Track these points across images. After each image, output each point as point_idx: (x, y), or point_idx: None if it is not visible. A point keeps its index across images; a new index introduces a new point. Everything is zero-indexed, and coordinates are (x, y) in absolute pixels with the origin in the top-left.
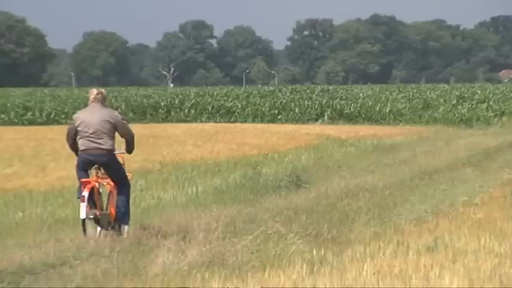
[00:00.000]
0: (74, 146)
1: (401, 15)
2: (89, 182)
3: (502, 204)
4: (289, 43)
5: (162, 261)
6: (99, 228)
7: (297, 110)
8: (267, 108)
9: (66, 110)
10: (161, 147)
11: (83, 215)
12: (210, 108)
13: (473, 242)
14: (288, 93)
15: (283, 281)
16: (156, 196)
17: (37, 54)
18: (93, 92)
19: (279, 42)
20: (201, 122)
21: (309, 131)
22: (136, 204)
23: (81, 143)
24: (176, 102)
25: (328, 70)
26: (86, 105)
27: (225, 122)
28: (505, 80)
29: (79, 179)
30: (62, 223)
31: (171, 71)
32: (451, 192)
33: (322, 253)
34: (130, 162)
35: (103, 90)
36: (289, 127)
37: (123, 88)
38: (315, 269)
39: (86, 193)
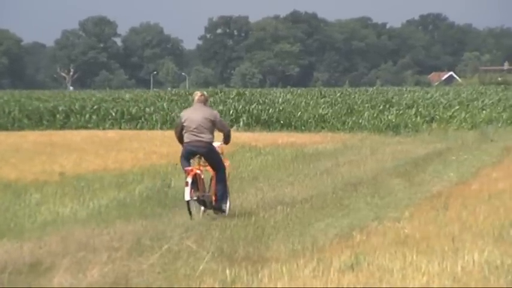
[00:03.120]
0: (180, 138)
1: (324, 12)
2: (191, 170)
3: (431, 219)
4: (200, 42)
5: (59, 282)
6: (202, 208)
7: None
8: (177, 114)
9: None
10: (59, 156)
11: (187, 198)
12: (113, 114)
13: (400, 259)
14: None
15: None
16: (53, 211)
17: None
18: (197, 94)
19: (190, 42)
20: (104, 128)
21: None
22: (31, 219)
23: (186, 136)
24: (76, 107)
25: (244, 72)
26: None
27: (130, 128)
28: (435, 84)
29: (183, 167)
30: None
31: (71, 73)
32: (377, 205)
33: (236, 272)
34: (26, 174)
35: (205, 93)
36: None
37: (16, 91)
38: None
39: (189, 179)
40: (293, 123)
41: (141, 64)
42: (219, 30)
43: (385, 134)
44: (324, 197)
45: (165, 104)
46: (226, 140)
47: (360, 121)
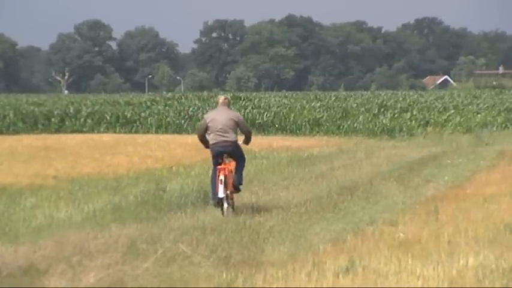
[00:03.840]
0: (203, 139)
1: (319, 16)
2: (224, 169)
3: (426, 222)
4: (196, 46)
5: (54, 286)
6: (225, 205)
7: None
8: (172, 118)
9: None
10: (54, 160)
11: (221, 194)
12: (108, 118)
13: (395, 263)
14: (195, 101)
15: None
16: (48, 214)
17: None
18: (221, 97)
19: (185, 45)
20: (99, 132)
21: None
22: (26, 223)
23: (212, 137)
24: (71, 110)
25: (239, 76)
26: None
27: (125, 132)
28: (430, 87)
29: (214, 166)
30: None
31: (66, 77)
32: (372, 209)
33: (231, 276)
34: (21, 178)
35: (228, 97)
36: (196, 138)
37: (11, 95)
38: None
39: (222, 177)
40: (288, 127)
41: (136, 68)
42: (214, 34)
43: (380, 138)
44: (319, 200)
45: (160, 108)
46: (247, 140)
47: (355, 125)
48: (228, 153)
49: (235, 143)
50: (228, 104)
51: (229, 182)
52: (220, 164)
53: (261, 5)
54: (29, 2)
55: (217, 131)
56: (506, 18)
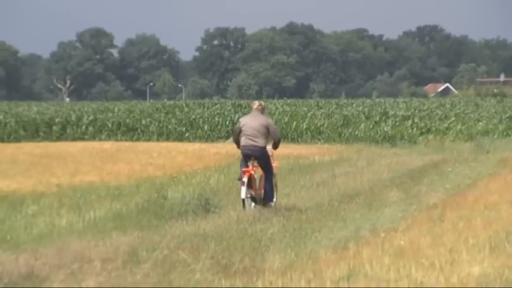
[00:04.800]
0: (237, 141)
1: (320, 24)
2: (247, 171)
3: (427, 230)
4: (197, 53)
5: None
6: (253, 204)
7: (206, 127)
8: (173, 125)
9: None
10: (56, 168)
11: (243, 195)
12: (110, 125)
13: (396, 271)
14: (196, 109)
15: None
16: (49, 222)
17: None
18: (256, 103)
19: (187, 53)
20: (100, 140)
21: (219, 150)
22: (27, 231)
23: (242, 140)
24: (72, 118)
25: (240, 83)
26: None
27: (126, 140)
28: (431, 95)
29: (241, 168)
30: None
31: (67, 84)
32: (373, 216)
33: (232, 284)
34: (22, 186)
35: (262, 103)
36: (197, 146)
37: (13, 103)
38: None
39: (245, 179)
40: (289, 135)
41: (138, 75)
42: (215, 42)
43: (382, 146)
44: (320, 208)
45: (161, 116)
46: (276, 145)
47: (356, 133)
48: (256, 157)
49: (263, 148)
50: (261, 110)
51: (254, 184)
52: (247, 167)
53: (262, 13)
54: (30, 10)
55: (248, 135)
56: (508, 26)
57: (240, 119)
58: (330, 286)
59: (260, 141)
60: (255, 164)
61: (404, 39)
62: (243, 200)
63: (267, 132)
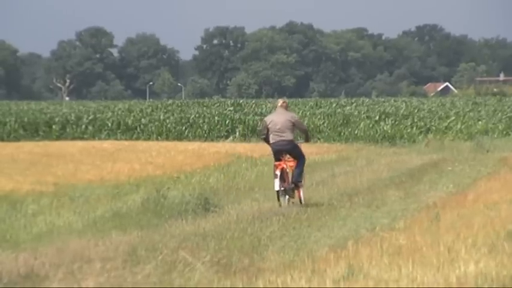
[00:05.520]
0: (266, 139)
1: (319, 23)
2: (280, 165)
3: (427, 229)
4: (197, 53)
5: None
6: (287, 197)
7: (205, 127)
8: (173, 125)
9: None
10: (55, 167)
11: (277, 187)
12: (110, 125)
13: (395, 270)
14: (195, 108)
15: None
16: (49, 221)
17: None
18: (280, 101)
19: (186, 52)
20: (100, 139)
21: (219, 149)
22: (27, 230)
23: (271, 137)
24: (72, 117)
25: (239, 82)
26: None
27: (126, 139)
28: (431, 94)
29: (274, 163)
30: None
31: (67, 83)
32: (372, 215)
33: (232, 283)
34: (21, 185)
35: (286, 100)
36: (197, 145)
37: (12, 102)
38: None
39: (278, 172)
40: None
41: (137, 75)
42: (215, 41)
43: (381, 145)
44: (320, 207)
45: (161, 115)
46: (307, 138)
47: (356, 132)
48: (286, 151)
49: (292, 141)
50: (285, 107)
51: (286, 177)
52: (280, 160)
53: (261, 12)
54: (29, 9)
55: (276, 132)
56: (507, 26)
57: (265, 118)
58: (329, 285)
59: (287, 135)
60: (288, 158)
61: (404, 39)
62: (277, 192)
63: (293, 126)
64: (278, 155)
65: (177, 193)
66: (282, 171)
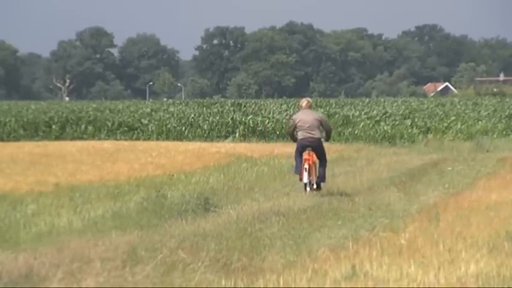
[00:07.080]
0: (292, 136)
1: (319, 23)
2: (308, 159)
3: (427, 229)
4: (197, 53)
5: None
6: (308, 189)
7: (205, 127)
8: (173, 125)
9: None
10: (55, 167)
11: (305, 180)
12: (109, 125)
13: (396, 270)
14: (195, 108)
15: None
16: (49, 221)
17: None
18: (305, 101)
19: (186, 52)
20: (100, 139)
21: (219, 149)
22: (27, 230)
23: (300, 134)
24: (72, 117)
25: (239, 83)
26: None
27: (126, 139)
28: (431, 94)
29: (296, 158)
30: None
31: (67, 83)
32: (373, 215)
33: (232, 283)
34: (21, 185)
35: (310, 100)
36: (197, 145)
37: (12, 102)
38: None
39: (307, 165)
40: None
41: (137, 75)
42: (215, 41)
43: (381, 145)
44: (320, 207)
45: (161, 115)
46: (328, 137)
47: (356, 132)
48: (313, 147)
49: (319, 139)
50: (310, 106)
51: (312, 171)
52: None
53: (261, 12)
54: (29, 9)
55: (305, 129)
56: (507, 26)
57: (294, 117)
58: (329, 285)
59: (316, 133)
60: (311, 152)
61: (403, 39)
62: (305, 184)
63: (320, 125)
64: (302, 150)
65: (176, 193)
66: (309, 165)
